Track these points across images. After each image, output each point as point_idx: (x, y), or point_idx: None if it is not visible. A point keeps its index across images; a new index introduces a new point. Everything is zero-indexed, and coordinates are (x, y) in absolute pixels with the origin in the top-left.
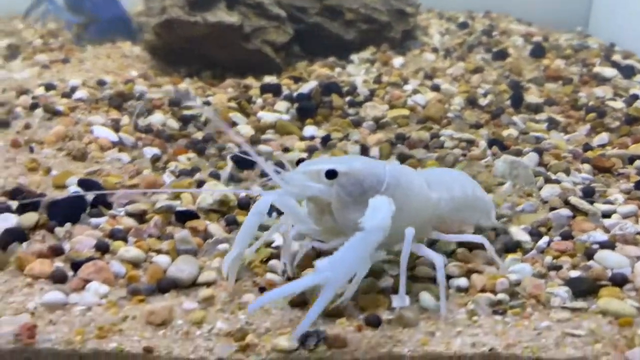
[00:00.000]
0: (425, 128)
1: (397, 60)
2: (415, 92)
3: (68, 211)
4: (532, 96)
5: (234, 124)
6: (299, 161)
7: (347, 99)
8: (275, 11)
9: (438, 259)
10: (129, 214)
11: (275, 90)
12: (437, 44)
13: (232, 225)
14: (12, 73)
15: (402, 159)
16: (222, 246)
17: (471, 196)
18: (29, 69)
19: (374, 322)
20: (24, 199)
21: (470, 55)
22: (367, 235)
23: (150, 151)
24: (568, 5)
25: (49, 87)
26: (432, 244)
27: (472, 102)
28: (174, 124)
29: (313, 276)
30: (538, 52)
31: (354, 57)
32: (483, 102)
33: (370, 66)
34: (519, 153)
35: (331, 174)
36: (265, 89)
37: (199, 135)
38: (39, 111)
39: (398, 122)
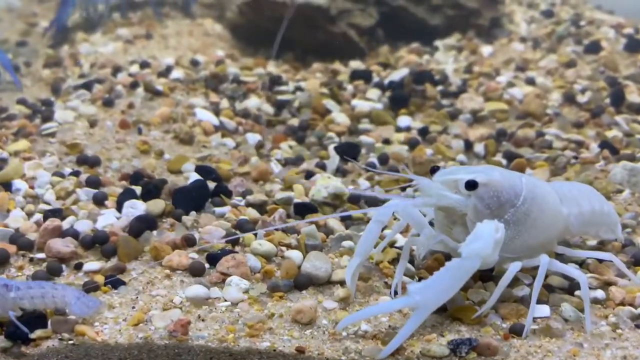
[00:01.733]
0: (528, 125)
1: (486, 49)
2: (510, 84)
3: (193, 199)
4: (633, 95)
5: (327, 111)
6: (433, 169)
7: (439, 88)
8: None
9: (582, 278)
10: (250, 204)
11: (366, 77)
12: (525, 33)
13: (347, 220)
14: (95, 47)
15: (510, 157)
16: (347, 243)
17: (598, 211)
18: (112, 44)
19: (520, 331)
20: (147, 184)
21: (560, 47)
22: (464, 263)
23: (253, 137)
24: None
25: (143, 64)
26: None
27: (570, 99)
28: (268, 108)
29: (404, 299)
30: (633, 46)
31: (439, 43)
32: (581, 99)
33: (458, 54)
34: (632, 158)
35: (471, 185)
36: (355, 75)
37: (294, 121)
38: (140, 90)
39: (496, 116)
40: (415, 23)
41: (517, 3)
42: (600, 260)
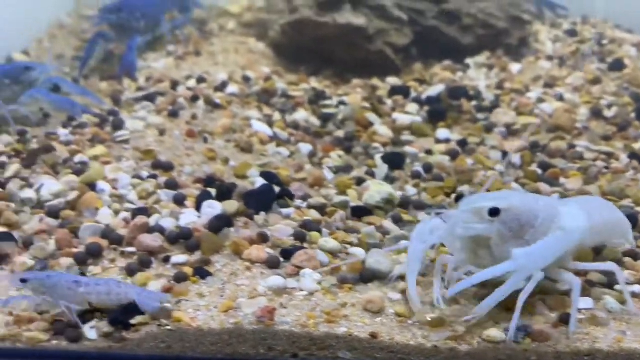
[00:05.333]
0: (559, 137)
1: (515, 67)
2: (540, 100)
3: (261, 201)
4: None
5: (370, 124)
6: (458, 197)
7: (473, 103)
8: (396, 14)
9: (575, 282)
10: (312, 207)
11: (404, 92)
12: (551, 52)
13: (399, 223)
14: (148, 62)
15: (545, 167)
16: (404, 243)
17: (610, 220)
18: (163, 59)
19: (568, 321)
20: (220, 187)
21: (585, 65)
22: (567, 235)
23: (305, 147)
24: None
25: (200, 79)
26: None
27: (597, 114)
28: (315, 121)
29: (510, 263)
30: None
31: (470, 61)
32: (608, 114)
33: (489, 71)
34: None
35: (494, 212)
36: (394, 90)
37: (340, 133)
38: (200, 103)
39: (529, 129)
40: (447, 42)
41: (541, 23)
42: (636, 258)
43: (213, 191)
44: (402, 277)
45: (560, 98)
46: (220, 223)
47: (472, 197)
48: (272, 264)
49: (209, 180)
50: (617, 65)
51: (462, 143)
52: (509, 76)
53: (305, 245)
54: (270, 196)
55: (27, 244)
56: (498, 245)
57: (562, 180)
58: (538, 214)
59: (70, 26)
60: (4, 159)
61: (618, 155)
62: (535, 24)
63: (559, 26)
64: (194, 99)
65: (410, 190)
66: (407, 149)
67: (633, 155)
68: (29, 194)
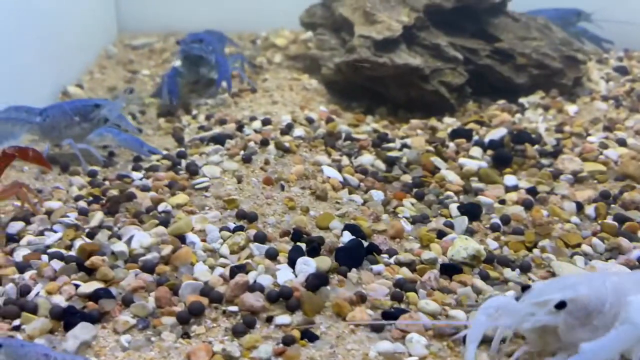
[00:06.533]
0: (629, 186)
1: (571, 108)
2: (603, 145)
3: (352, 256)
4: None
5: (436, 169)
6: (524, 288)
7: (536, 147)
8: (451, 53)
9: None
10: (400, 263)
11: (467, 135)
12: (605, 92)
13: (487, 280)
14: (201, 98)
15: (621, 220)
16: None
17: None
18: (219, 96)
19: None
20: (310, 242)
21: None
22: (635, 330)
23: (377, 194)
24: None
25: (265, 122)
26: None
27: None
28: (380, 165)
29: (577, 357)
30: None
31: (524, 100)
32: None
33: (545, 112)
34: None
35: (561, 305)
36: (455, 133)
37: (406, 178)
38: (271, 147)
39: (596, 177)
40: (501, 81)
41: (588, 59)
42: None
43: (303, 245)
44: (503, 340)
45: (624, 143)
46: (317, 281)
47: (537, 288)
48: (376, 327)
49: (296, 234)
50: None
51: (532, 191)
52: (567, 118)
53: (402, 305)
54: (360, 252)
55: (126, 301)
56: (565, 332)
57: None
58: (606, 299)
59: (117, 56)
60: (83, 204)
61: None
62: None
63: (607, 62)
64: (264, 142)
65: (491, 244)
66: (482, 198)
67: None
68: (120, 246)
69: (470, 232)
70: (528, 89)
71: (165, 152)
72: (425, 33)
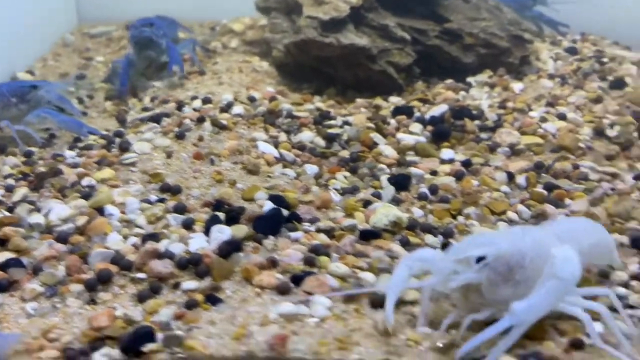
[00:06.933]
0: (563, 158)
1: (517, 86)
2: (543, 119)
3: (270, 225)
4: None
5: (375, 144)
6: (444, 246)
7: (477, 123)
8: (399, 34)
9: (584, 317)
10: (320, 230)
11: (407, 112)
12: (552, 70)
13: (407, 246)
14: (151, 81)
15: (550, 188)
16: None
17: (597, 243)
18: (167, 79)
19: (579, 345)
20: (229, 211)
21: (586, 83)
22: (562, 284)
23: (311, 168)
24: None
25: (205, 100)
26: None
27: (599, 133)
28: (320, 141)
29: (509, 318)
30: None
31: (471, 80)
32: (610, 133)
33: (491, 90)
34: None
35: (482, 261)
36: (397, 110)
37: (344, 153)
38: (207, 124)
39: (533, 149)
40: (449, 61)
41: (542, 40)
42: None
43: (222, 215)
44: (411, 302)
45: (564, 117)
46: (230, 248)
47: (460, 244)
48: (282, 290)
49: (218, 204)
50: (618, 84)
51: (467, 163)
52: (512, 95)
53: (314, 270)
54: (279, 220)
55: (36, 270)
56: (488, 289)
57: (568, 201)
58: (526, 253)
59: (74, 44)
60: (11, 181)
61: (623, 176)
62: (535, 42)
63: (560, 44)
64: (200, 120)
65: (417, 212)
66: (413, 170)
67: (637, 177)
68: (37, 218)
69: (397, 202)
70: (476, 68)
71: (104, 133)
72: (374, 14)
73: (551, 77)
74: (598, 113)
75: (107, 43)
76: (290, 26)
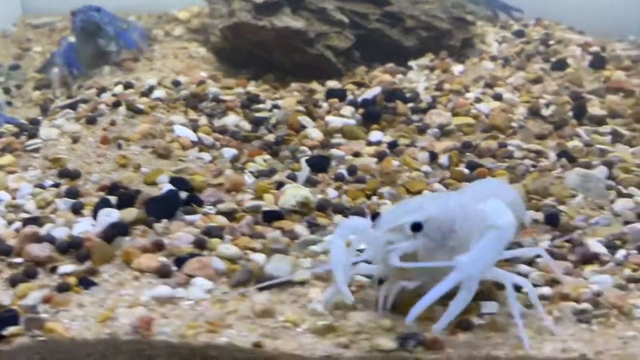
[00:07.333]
0: (492, 137)
1: (457, 68)
2: (478, 100)
3: (164, 207)
4: (595, 108)
5: (303, 127)
6: (375, 215)
7: (410, 105)
8: (337, 17)
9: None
10: (220, 212)
11: (341, 95)
12: (496, 53)
13: (314, 227)
14: (92, 70)
15: (472, 167)
16: (313, 247)
17: (510, 201)
18: (102, 66)
19: (466, 326)
20: (123, 194)
21: (529, 65)
22: (502, 232)
23: (229, 151)
24: (620, 12)
25: (127, 85)
26: None
27: (534, 113)
28: (246, 125)
29: (456, 274)
30: (597, 63)
31: (413, 63)
32: (546, 112)
33: (430, 73)
34: (588, 166)
35: (417, 227)
36: (330, 94)
37: (270, 137)
38: (122, 109)
39: (463, 130)
40: (390, 44)
41: (492, 25)
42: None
43: (114, 199)
44: (300, 283)
45: (499, 98)
46: (114, 231)
47: (389, 212)
48: (162, 273)
49: (113, 188)
50: (560, 65)
51: (393, 145)
52: (450, 77)
53: (204, 252)
54: (174, 202)
55: None
56: (425, 258)
57: (461, 189)
58: (455, 217)
59: (14, 35)
60: None
61: (547, 154)
62: (485, 26)
63: (510, 28)
64: (116, 104)
65: (332, 193)
66: (335, 151)
67: (562, 154)
68: None
69: (312, 183)
70: (418, 51)
71: (21, 121)
72: None
73: (494, 59)
74: (536, 93)
75: (49, 34)
76: (229, 11)
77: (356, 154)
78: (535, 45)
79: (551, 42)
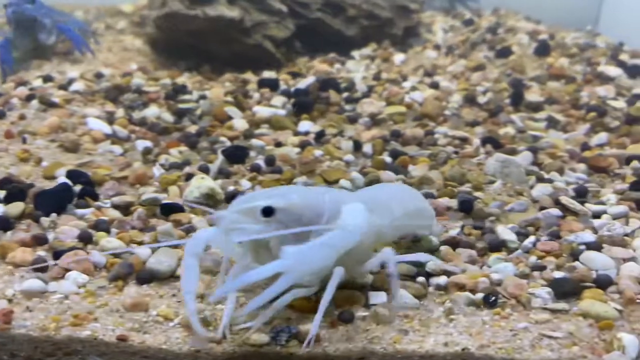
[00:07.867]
0: (421, 125)
1: (398, 57)
2: (413, 89)
3: (54, 201)
4: (533, 95)
5: (229, 118)
6: (233, 196)
7: (345, 95)
8: (276, 6)
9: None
10: (115, 206)
11: (273, 85)
12: (440, 41)
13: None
14: (18, 64)
15: (395, 155)
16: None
17: (412, 210)
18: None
19: (347, 319)
20: (12, 189)
21: (472, 53)
22: (343, 234)
23: (142, 144)
24: (578, 3)
25: (47, 79)
26: None
27: (470, 100)
28: (168, 117)
29: (279, 263)
30: (542, 50)
31: (355, 53)
32: (482, 100)
33: (371, 63)
34: (513, 152)
35: (268, 212)
36: (262, 83)
37: (192, 128)
38: (34, 102)
39: (394, 118)
40: (333, 34)
41: (443, 14)
42: (454, 247)
43: (2, 193)
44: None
45: (436, 86)
46: None
47: (247, 195)
48: (37, 267)
49: (4, 182)
50: (504, 52)
51: (320, 135)
52: (389, 67)
53: (89, 247)
54: (64, 196)
55: None
56: (278, 247)
57: (411, 167)
58: (323, 211)
59: None
60: None
61: (472, 140)
62: (435, 15)
63: (461, 17)
64: (29, 98)
65: (245, 185)
66: (255, 142)
67: (488, 140)
68: None
69: (226, 174)
70: (362, 41)
71: None
72: None
73: (437, 47)
74: (474, 81)
75: None
76: (162, 1)
77: (278, 144)
78: (482, 33)
79: (499, 31)
